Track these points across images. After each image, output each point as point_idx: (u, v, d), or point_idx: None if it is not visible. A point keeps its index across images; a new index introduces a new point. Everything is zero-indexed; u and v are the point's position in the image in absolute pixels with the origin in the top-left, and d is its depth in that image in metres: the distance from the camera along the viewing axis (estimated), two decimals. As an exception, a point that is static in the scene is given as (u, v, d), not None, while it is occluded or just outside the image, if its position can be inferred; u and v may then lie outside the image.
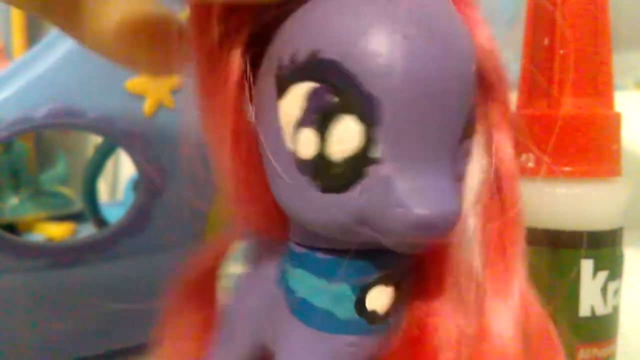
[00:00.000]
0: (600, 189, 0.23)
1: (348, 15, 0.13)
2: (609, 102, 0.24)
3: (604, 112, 0.23)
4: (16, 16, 0.55)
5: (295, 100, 0.14)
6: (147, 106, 0.29)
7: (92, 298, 0.29)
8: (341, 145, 0.13)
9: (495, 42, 0.15)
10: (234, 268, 0.19)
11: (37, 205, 0.51)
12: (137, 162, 0.30)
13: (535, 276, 0.24)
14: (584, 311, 0.23)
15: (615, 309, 0.24)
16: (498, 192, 0.16)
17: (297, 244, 0.16)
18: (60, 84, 0.27)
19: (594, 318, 0.23)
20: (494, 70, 0.15)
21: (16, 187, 0.51)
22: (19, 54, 0.54)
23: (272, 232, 0.17)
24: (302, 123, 0.14)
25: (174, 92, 0.29)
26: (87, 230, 0.48)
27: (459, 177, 0.15)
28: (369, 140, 0.13)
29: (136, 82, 0.28)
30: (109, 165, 0.61)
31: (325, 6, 0.14)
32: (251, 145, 0.15)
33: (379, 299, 0.15)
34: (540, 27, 0.24)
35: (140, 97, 0.29)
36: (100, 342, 0.29)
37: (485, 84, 0.15)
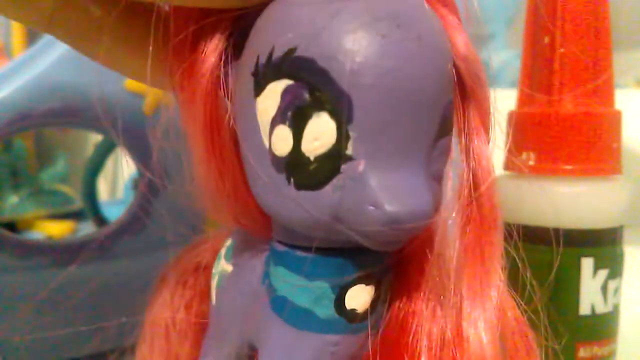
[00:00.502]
0: (600, 187, 0.23)
1: (323, 14, 0.13)
2: (609, 100, 0.24)
3: (604, 111, 0.23)
4: (16, 14, 0.55)
5: (271, 97, 0.14)
6: (147, 105, 0.29)
7: (92, 296, 0.29)
8: (315, 142, 0.13)
9: (473, 47, 0.15)
10: (224, 265, 0.19)
11: (37, 203, 0.51)
12: (136, 161, 0.30)
13: (535, 275, 0.24)
14: (584, 310, 0.23)
15: (616, 307, 0.24)
16: (476, 196, 0.15)
17: (279, 242, 0.16)
18: (59, 83, 0.27)
19: (594, 316, 0.23)
20: (472, 75, 0.15)
21: (16, 186, 0.51)
22: (19, 53, 0.54)
23: (255, 229, 0.17)
24: (277, 120, 0.14)
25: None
26: (87, 228, 0.48)
27: (435, 175, 0.15)
28: (343, 138, 0.13)
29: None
30: (109, 163, 0.61)
31: (301, 5, 0.14)
32: (227, 142, 0.15)
33: (359, 298, 0.15)
34: (541, 25, 0.24)
35: (139, 95, 0.29)
36: (100, 340, 0.29)
37: (464, 89, 0.15)
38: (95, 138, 0.51)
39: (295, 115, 0.13)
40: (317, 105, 0.13)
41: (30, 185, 0.52)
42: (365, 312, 0.16)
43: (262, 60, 0.14)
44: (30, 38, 0.55)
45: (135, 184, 0.40)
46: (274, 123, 0.14)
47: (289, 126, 0.13)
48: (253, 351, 0.18)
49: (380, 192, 0.13)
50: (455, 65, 0.15)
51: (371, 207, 0.13)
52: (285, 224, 0.15)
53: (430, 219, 0.14)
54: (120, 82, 0.28)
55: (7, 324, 0.27)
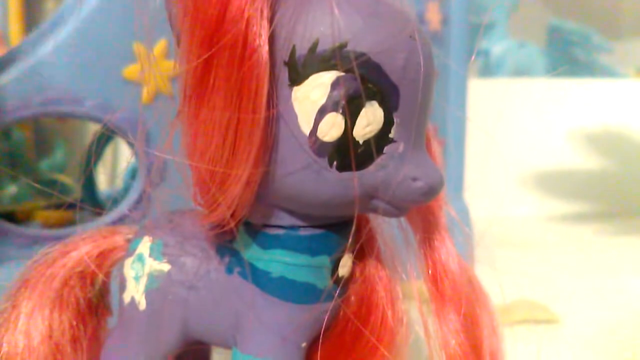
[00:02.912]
0: None
1: (366, 12, 0.15)
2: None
3: None
4: (13, 3, 0.55)
5: (317, 87, 0.15)
6: (145, 93, 0.29)
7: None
8: (367, 127, 0.15)
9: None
10: (154, 266, 0.19)
11: (35, 193, 0.51)
12: (135, 150, 0.30)
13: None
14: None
15: None
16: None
17: (273, 226, 0.17)
18: (57, 71, 0.27)
19: None
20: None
21: (15, 175, 0.51)
22: (17, 41, 0.53)
23: (230, 220, 0.17)
24: (328, 108, 0.15)
25: (173, 79, 0.29)
26: (86, 218, 0.48)
27: None
28: (388, 123, 0.15)
29: (134, 69, 0.28)
30: (108, 153, 0.61)
31: (342, 5, 0.15)
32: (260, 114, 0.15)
33: (346, 265, 0.18)
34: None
35: (137, 84, 0.28)
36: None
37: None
38: (94, 127, 0.51)
39: (349, 104, 0.15)
40: (370, 95, 0.15)
41: (29, 175, 0.52)
42: (347, 278, 0.18)
43: (302, 51, 0.15)
44: (28, 26, 0.55)
45: (135, 173, 0.40)
46: (323, 111, 0.15)
47: (341, 113, 0.15)
48: (194, 346, 0.19)
49: (418, 168, 0.16)
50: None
51: (413, 181, 0.16)
52: (310, 205, 0.16)
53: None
54: (119, 71, 0.28)
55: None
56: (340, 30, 0.15)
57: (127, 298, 0.19)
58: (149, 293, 0.18)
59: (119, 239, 0.21)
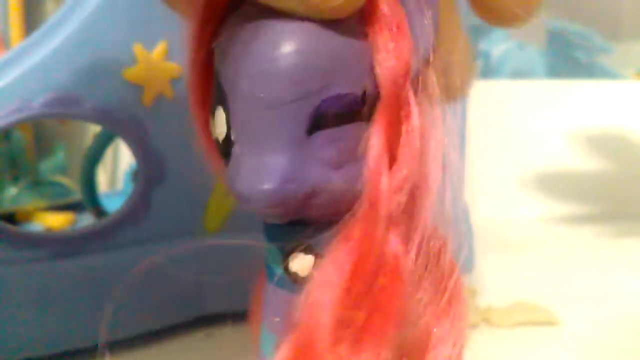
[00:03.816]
0: None
1: (227, 27, 0.17)
2: None
3: None
4: (13, 4, 0.55)
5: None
6: (146, 95, 0.29)
7: (92, 288, 0.29)
8: (217, 129, 0.17)
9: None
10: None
11: (36, 194, 0.51)
12: (135, 152, 0.30)
13: None
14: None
15: None
16: None
17: None
18: (58, 73, 0.27)
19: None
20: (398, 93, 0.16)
21: (15, 177, 0.51)
22: (17, 43, 0.53)
23: None
24: (211, 111, 0.17)
25: (174, 81, 0.29)
26: (87, 220, 0.48)
27: (328, 161, 0.16)
28: (229, 126, 0.16)
29: (135, 71, 0.28)
30: (108, 154, 0.61)
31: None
32: None
33: (300, 264, 0.18)
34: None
35: (138, 86, 0.28)
36: (100, 332, 0.29)
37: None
38: (95, 129, 0.51)
39: (211, 106, 0.17)
40: (218, 99, 0.17)
41: (29, 176, 0.52)
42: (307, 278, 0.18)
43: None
44: (28, 28, 0.55)
45: (135, 175, 0.40)
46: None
47: (211, 117, 0.17)
48: None
49: (239, 173, 0.16)
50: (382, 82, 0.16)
51: (233, 186, 0.16)
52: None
53: (280, 197, 0.15)
54: (120, 72, 0.28)
55: (8, 316, 0.27)
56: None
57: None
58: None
59: None
